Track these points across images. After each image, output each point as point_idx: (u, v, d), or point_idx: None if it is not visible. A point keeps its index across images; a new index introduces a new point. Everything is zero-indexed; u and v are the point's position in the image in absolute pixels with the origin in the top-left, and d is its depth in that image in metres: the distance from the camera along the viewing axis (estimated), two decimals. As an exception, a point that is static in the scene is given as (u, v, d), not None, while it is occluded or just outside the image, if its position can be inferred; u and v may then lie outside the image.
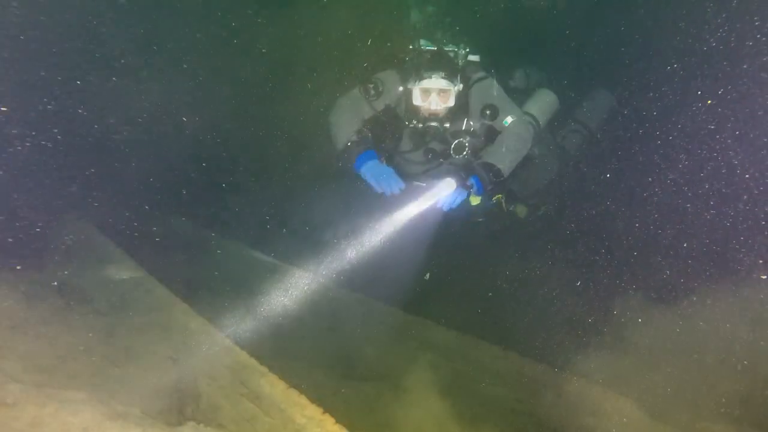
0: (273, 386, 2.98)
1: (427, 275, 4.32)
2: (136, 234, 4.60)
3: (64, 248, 4.33)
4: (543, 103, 4.33)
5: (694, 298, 4.26)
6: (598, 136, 4.60)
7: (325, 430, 2.68)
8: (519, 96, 4.18)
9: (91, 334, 3.41)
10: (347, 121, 3.63)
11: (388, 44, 4.25)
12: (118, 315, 3.71)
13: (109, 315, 3.72)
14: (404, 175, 3.64)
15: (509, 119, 3.62)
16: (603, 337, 4.26)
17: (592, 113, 4.56)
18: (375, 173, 3.42)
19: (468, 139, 3.68)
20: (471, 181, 3.49)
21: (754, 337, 3.90)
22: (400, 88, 3.66)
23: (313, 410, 2.78)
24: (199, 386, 3.23)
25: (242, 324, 3.60)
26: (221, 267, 4.66)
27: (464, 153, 3.66)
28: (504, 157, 3.54)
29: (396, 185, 3.39)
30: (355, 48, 5.15)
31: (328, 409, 2.73)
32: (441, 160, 3.78)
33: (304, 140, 5.47)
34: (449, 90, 3.53)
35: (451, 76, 3.51)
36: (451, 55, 3.70)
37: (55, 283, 3.85)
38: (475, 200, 3.85)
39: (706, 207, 4.88)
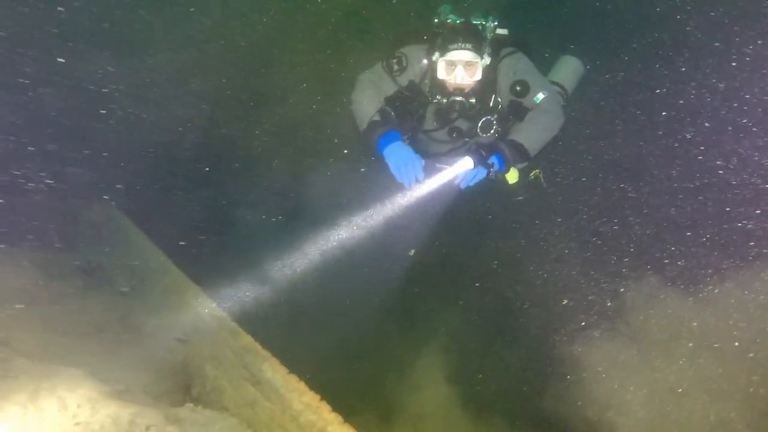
0: (274, 371, 2.92)
1: (412, 252, 4.11)
2: (154, 217, 4.68)
3: (92, 230, 4.47)
4: (569, 71, 4.13)
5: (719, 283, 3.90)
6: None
7: (320, 417, 2.61)
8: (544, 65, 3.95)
9: (106, 314, 3.48)
10: (369, 100, 3.49)
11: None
12: (134, 296, 3.77)
13: (126, 296, 3.80)
14: (427, 155, 3.48)
15: (541, 96, 3.40)
16: (616, 325, 3.96)
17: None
18: (397, 159, 3.25)
19: (495, 116, 3.49)
20: (493, 159, 3.31)
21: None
22: (425, 62, 3.49)
23: (311, 397, 2.71)
24: (205, 369, 3.23)
25: (248, 307, 3.57)
26: (231, 250, 4.67)
27: (491, 131, 3.47)
28: (533, 137, 3.36)
29: (415, 176, 3.22)
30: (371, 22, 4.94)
31: (326, 396, 2.64)
32: (466, 139, 3.60)
33: (312, 118, 5.37)
34: (476, 63, 3.33)
35: (478, 49, 3.32)
36: (479, 27, 3.50)
37: (78, 263, 3.96)
38: (513, 178, 3.68)
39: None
